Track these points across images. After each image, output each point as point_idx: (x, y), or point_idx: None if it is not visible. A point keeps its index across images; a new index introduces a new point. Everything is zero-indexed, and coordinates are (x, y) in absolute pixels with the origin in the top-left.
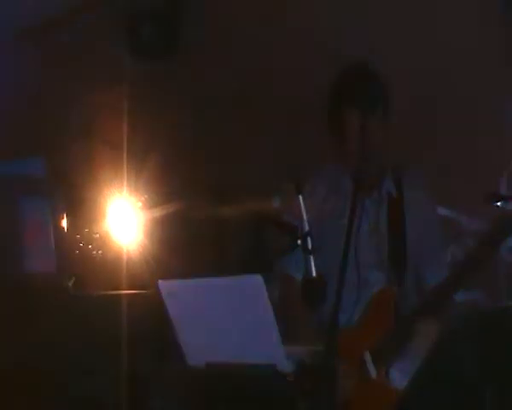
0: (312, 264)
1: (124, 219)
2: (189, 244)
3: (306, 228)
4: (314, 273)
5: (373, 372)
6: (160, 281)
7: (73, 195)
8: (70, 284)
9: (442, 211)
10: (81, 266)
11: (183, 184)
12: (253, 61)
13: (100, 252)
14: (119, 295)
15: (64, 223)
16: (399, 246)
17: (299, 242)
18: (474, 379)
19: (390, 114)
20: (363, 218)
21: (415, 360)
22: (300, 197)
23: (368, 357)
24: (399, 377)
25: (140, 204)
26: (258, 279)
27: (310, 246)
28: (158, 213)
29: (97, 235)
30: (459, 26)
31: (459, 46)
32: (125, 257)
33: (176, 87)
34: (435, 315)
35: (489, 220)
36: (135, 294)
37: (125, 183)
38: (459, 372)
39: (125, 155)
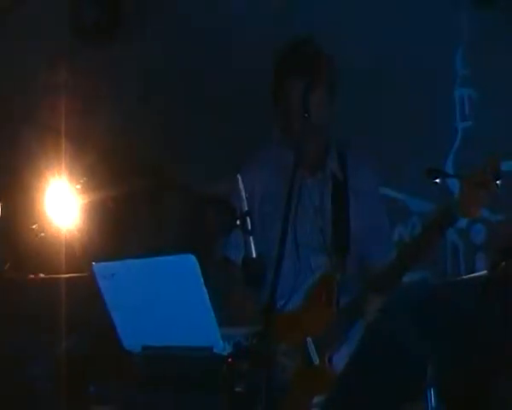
0: (252, 244)
1: (62, 203)
2: (127, 227)
3: (245, 208)
4: (254, 254)
5: (315, 359)
6: (93, 263)
7: (10, 177)
8: (6, 267)
9: (389, 192)
10: (18, 250)
11: (123, 167)
12: (199, 40)
13: (37, 235)
14: (57, 278)
15: None
16: (343, 229)
17: (238, 222)
18: (415, 352)
19: (334, 88)
20: (306, 199)
21: None
22: (239, 177)
23: (310, 343)
24: (343, 364)
25: (78, 187)
26: (191, 258)
27: (249, 226)
28: (96, 196)
29: (35, 218)
30: (403, 7)
31: (409, 20)
32: (63, 240)
33: (119, 70)
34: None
35: (436, 205)
36: (73, 277)
37: (63, 166)
38: (399, 346)
39: (63, 139)
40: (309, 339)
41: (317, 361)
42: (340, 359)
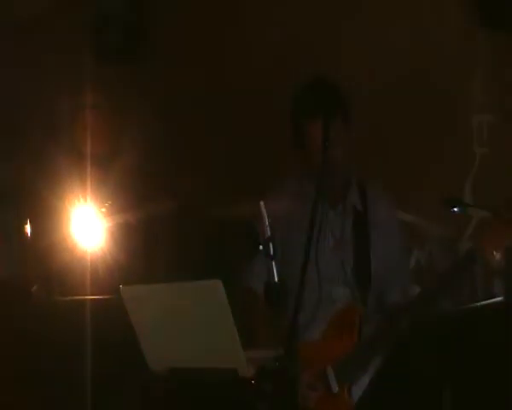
0: (274, 269)
1: (88, 225)
2: (151, 250)
3: (268, 233)
4: (276, 279)
5: (335, 387)
6: (121, 286)
7: (37, 201)
8: (33, 289)
9: (406, 217)
10: (45, 272)
11: (147, 190)
12: (219, 62)
13: (64, 258)
14: (84, 300)
15: (28, 229)
16: (365, 262)
17: (260, 247)
18: (433, 380)
19: (351, 123)
20: (327, 231)
21: None
22: (262, 203)
23: (330, 372)
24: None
25: (104, 210)
26: (218, 284)
27: (272, 251)
28: (121, 219)
29: (61, 241)
30: (421, 34)
31: (422, 52)
32: (89, 263)
33: (143, 92)
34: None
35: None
36: (99, 299)
37: (88, 189)
38: (417, 373)
39: (89, 161)
40: (329, 368)
41: (336, 390)
42: (360, 389)
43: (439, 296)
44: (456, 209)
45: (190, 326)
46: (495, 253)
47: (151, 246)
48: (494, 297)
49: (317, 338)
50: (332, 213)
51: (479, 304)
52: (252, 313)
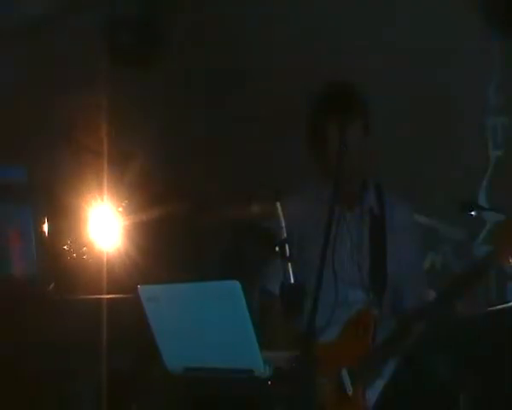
0: (290, 271)
1: (105, 225)
2: (168, 250)
3: (284, 235)
4: (292, 280)
5: (349, 390)
6: (139, 286)
7: (55, 200)
8: (50, 288)
9: (421, 219)
10: (62, 271)
11: (163, 190)
12: (230, 62)
13: (81, 257)
14: (100, 299)
15: (45, 228)
16: (380, 266)
17: (277, 249)
18: (448, 384)
19: (369, 126)
20: (344, 233)
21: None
22: (278, 204)
23: (345, 374)
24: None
25: (121, 209)
26: (235, 284)
27: (288, 253)
28: (138, 218)
29: (78, 240)
30: (435, 36)
31: (439, 56)
32: (105, 262)
33: (158, 92)
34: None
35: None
36: (115, 298)
37: (105, 188)
38: (432, 376)
39: (105, 161)
40: (344, 370)
41: (350, 393)
42: (374, 394)
43: (454, 300)
44: (473, 213)
45: (207, 326)
46: (510, 258)
47: (167, 245)
48: (507, 302)
49: (332, 340)
50: (349, 216)
51: (494, 307)
52: (268, 314)
